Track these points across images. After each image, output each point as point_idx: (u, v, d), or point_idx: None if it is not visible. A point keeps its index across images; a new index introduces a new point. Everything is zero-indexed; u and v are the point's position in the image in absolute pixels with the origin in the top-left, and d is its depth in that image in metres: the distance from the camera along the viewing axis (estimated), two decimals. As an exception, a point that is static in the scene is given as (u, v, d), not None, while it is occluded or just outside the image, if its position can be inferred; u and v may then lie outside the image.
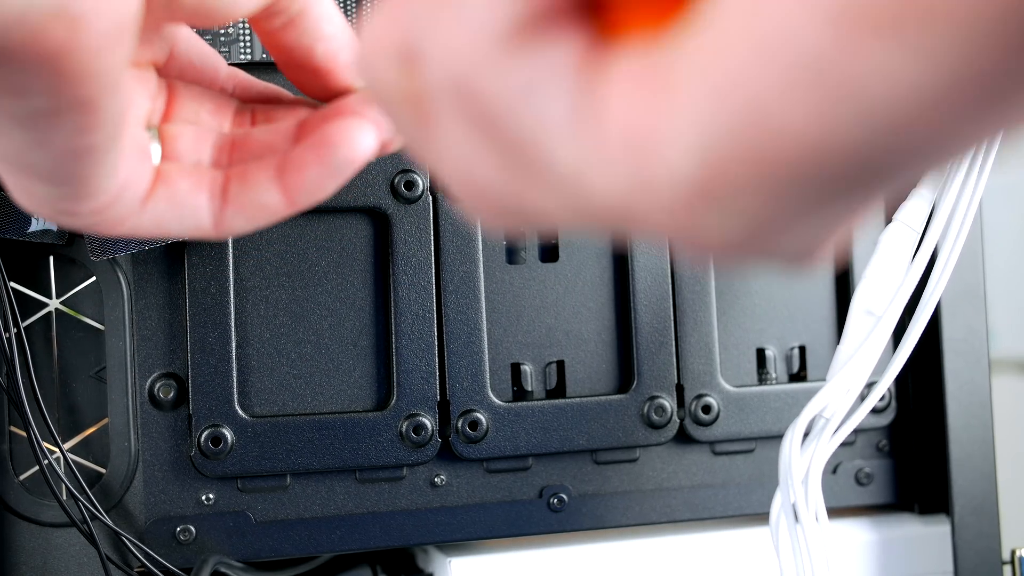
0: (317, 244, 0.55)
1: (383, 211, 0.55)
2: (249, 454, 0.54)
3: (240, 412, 0.54)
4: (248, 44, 0.55)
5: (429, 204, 0.56)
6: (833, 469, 0.61)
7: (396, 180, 0.55)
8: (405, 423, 0.55)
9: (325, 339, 0.56)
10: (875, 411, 0.61)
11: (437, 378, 0.56)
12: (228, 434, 0.54)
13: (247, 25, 0.55)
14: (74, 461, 0.53)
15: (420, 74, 0.22)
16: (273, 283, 0.55)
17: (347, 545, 0.56)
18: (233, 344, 0.54)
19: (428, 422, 0.56)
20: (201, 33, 0.54)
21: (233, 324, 0.54)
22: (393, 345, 0.56)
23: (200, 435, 0.53)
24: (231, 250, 0.54)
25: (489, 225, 0.26)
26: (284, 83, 0.55)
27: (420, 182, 0.56)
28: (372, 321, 0.56)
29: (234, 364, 0.54)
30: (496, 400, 0.57)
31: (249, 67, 0.55)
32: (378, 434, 0.55)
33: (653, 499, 0.59)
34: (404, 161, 0.56)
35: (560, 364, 0.58)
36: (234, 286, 0.54)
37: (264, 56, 0.55)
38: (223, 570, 0.54)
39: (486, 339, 0.57)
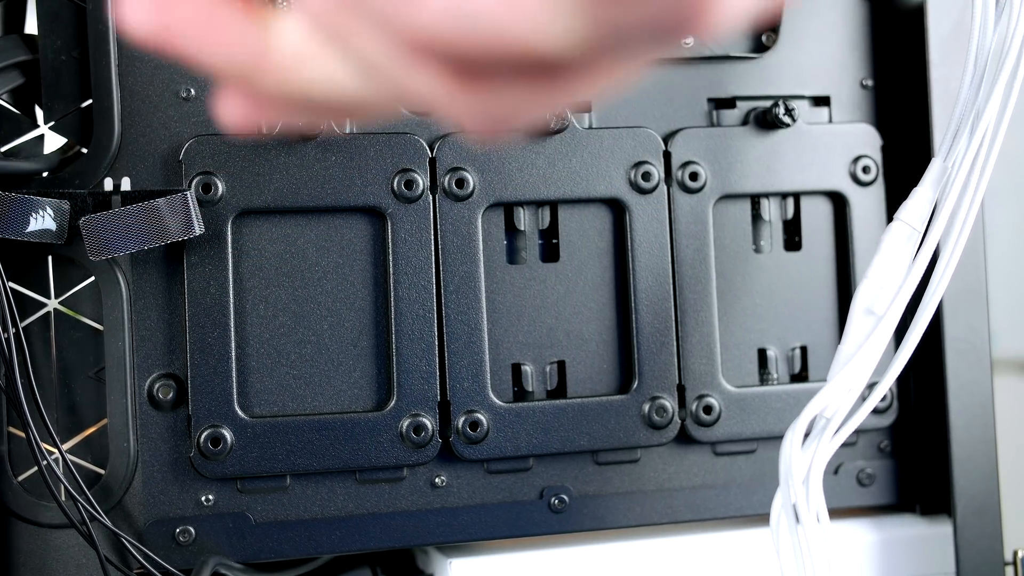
0: (316, 244, 0.55)
1: (382, 211, 0.55)
2: (249, 455, 0.54)
3: (240, 413, 0.54)
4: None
5: (429, 204, 0.56)
6: (835, 470, 0.61)
7: (396, 179, 0.55)
8: (405, 423, 0.55)
9: (325, 339, 0.55)
10: (877, 412, 0.61)
11: (437, 378, 0.56)
12: (228, 435, 0.54)
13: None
14: (73, 462, 0.53)
15: None
16: (273, 283, 0.55)
17: (347, 546, 0.56)
18: (233, 344, 0.54)
19: (428, 422, 0.55)
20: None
21: (232, 324, 0.54)
22: (393, 345, 0.55)
23: (199, 436, 0.53)
24: (230, 250, 0.54)
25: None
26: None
27: (420, 181, 0.55)
28: (372, 321, 0.56)
29: (233, 364, 0.54)
30: (497, 400, 0.57)
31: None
32: (378, 434, 0.55)
33: (654, 500, 0.59)
34: (404, 160, 0.55)
35: (561, 364, 0.58)
36: (233, 286, 0.54)
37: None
38: (223, 571, 0.54)
39: (487, 339, 0.57)
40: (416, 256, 0.56)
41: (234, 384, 0.54)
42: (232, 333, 0.54)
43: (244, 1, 0.25)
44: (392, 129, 0.56)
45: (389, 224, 0.55)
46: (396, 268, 0.55)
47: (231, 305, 0.54)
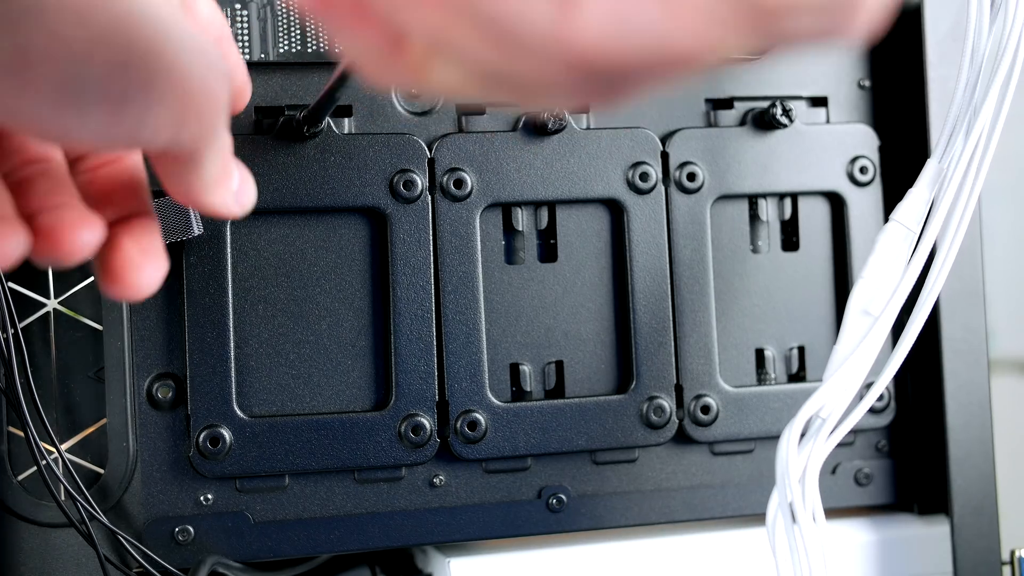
0: (315, 244, 0.55)
1: (382, 211, 0.55)
2: (248, 454, 0.54)
3: (239, 412, 0.54)
4: (247, 45, 0.55)
5: (428, 204, 0.56)
6: (832, 469, 0.61)
7: (395, 180, 0.55)
8: (404, 423, 0.55)
9: (323, 339, 0.55)
10: (874, 411, 0.61)
11: (436, 378, 0.56)
12: (226, 434, 0.54)
13: (246, 26, 0.55)
14: (72, 461, 0.53)
15: None
16: (271, 283, 0.55)
17: (346, 545, 0.56)
18: (231, 344, 0.54)
19: (427, 422, 0.55)
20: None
21: (231, 325, 0.54)
22: (392, 345, 0.56)
23: (198, 435, 0.53)
24: (229, 250, 0.54)
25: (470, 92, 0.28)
26: (280, 83, 0.55)
27: (419, 181, 0.56)
28: (370, 321, 0.56)
29: (232, 364, 0.54)
30: (495, 400, 0.57)
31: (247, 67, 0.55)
32: (377, 434, 0.55)
33: (652, 499, 0.59)
34: (403, 160, 0.56)
35: (559, 364, 0.58)
36: (233, 287, 0.54)
37: (262, 56, 0.55)
38: (221, 570, 0.54)
39: (485, 339, 0.57)
40: (415, 256, 0.56)
41: (233, 384, 0.54)
42: (231, 333, 0.54)
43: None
44: (391, 129, 0.56)
45: (389, 224, 0.55)
46: (395, 268, 0.55)
47: (230, 305, 0.54)
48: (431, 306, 0.56)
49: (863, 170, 0.61)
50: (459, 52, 0.25)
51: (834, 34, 0.24)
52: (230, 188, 0.38)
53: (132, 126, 0.31)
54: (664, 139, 0.59)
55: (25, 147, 0.36)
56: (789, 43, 0.24)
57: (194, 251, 0.54)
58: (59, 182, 0.35)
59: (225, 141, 0.37)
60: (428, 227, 0.56)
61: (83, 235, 0.33)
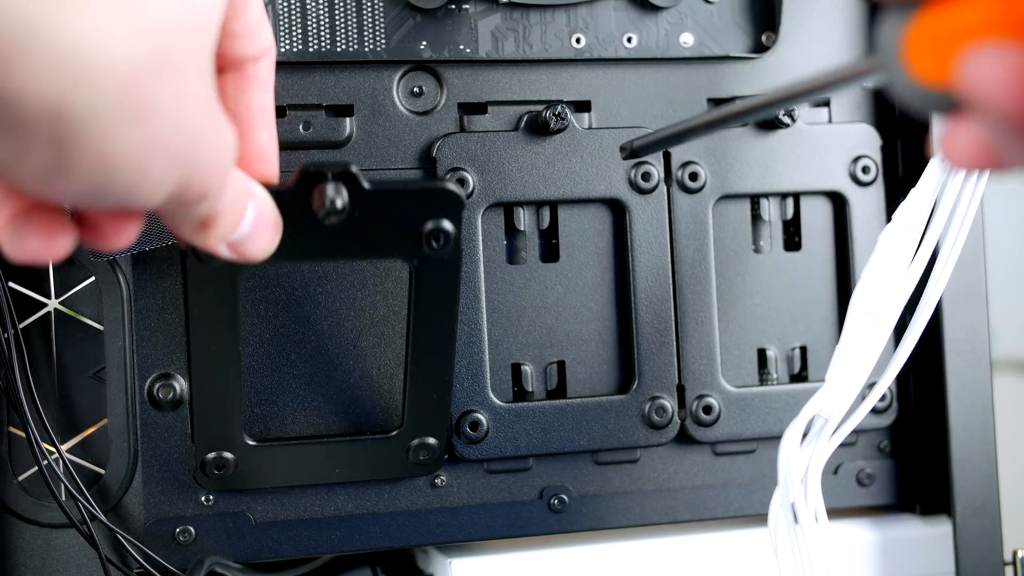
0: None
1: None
2: (250, 474, 0.53)
3: (245, 439, 0.53)
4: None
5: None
6: (834, 470, 0.61)
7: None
8: (415, 442, 0.55)
9: (324, 342, 0.55)
10: (876, 412, 0.61)
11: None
12: (231, 457, 0.53)
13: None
14: (73, 462, 0.53)
15: None
16: (272, 283, 0.55)
17: (347, 546, 0.56)
18: (237, 368, 0.52)
19: (435, 443, 0.55)
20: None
21: (238, 345, 0.51)
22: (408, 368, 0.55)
23: (204, 458, 0.52)
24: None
25: None
26: (281, 82, 0.55)
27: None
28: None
29: (238, 390, 0.52)
30: (496, 400, 0.57)
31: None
32: (390, 453, 0.55)
33: (654, 500, 0.59)
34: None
35: (561, 364, 0.58)
36: (240, 302, 0.52)
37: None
38: (219, 571, 0.54)
39: (486, 339, 0.57)
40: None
41: (238, 410, 0.52)
42: (238, 356, 0.52)
43: None
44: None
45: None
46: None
47: (236, 325, 0.52)
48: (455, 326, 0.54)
49: (865, 170, 0.61)
50: None
51: None
52: (219, 233, 0.39)
53: (134, 200, 0.35)
54: (666, 139, 0.59)
55: None
56: None
57: (195, 270, 0.52)
58: None
59: (220, 197, 0.39)
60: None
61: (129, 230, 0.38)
